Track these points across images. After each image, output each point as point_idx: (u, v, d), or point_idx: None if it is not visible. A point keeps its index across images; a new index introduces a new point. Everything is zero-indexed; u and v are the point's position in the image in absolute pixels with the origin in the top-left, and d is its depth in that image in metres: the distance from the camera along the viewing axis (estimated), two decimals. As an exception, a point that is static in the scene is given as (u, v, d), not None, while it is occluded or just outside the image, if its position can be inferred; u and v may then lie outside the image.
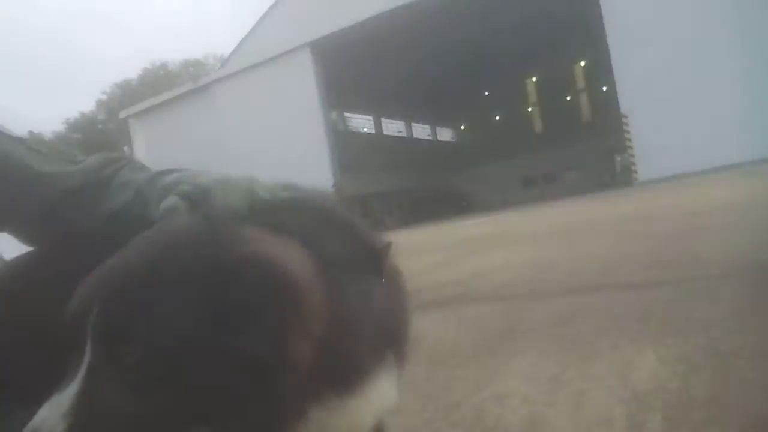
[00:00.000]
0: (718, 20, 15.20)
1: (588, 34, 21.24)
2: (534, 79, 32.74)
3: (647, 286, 2.84)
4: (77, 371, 0.58)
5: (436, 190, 33.72)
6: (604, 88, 27.02)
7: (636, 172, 17.25)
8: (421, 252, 7.25)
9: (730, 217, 4.95)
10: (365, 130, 34.54)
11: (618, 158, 30.23)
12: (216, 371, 0.57)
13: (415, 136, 37.42)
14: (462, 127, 39.78)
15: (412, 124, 37.35)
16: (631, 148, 17.44)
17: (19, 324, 0.82)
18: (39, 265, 0.90)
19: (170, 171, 0.86)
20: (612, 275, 3.29)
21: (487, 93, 35.12)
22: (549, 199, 23.34)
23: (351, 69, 26.24)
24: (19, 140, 0.87)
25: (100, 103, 46.20)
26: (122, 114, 29.34)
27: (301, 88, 23.09)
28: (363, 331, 0.71)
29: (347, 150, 25.84)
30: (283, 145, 22.44)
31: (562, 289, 3.18)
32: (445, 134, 40.72)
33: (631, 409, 1.46)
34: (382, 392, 0.76)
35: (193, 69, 47.93)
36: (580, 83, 31.53)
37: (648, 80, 16.18)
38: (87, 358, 0.57)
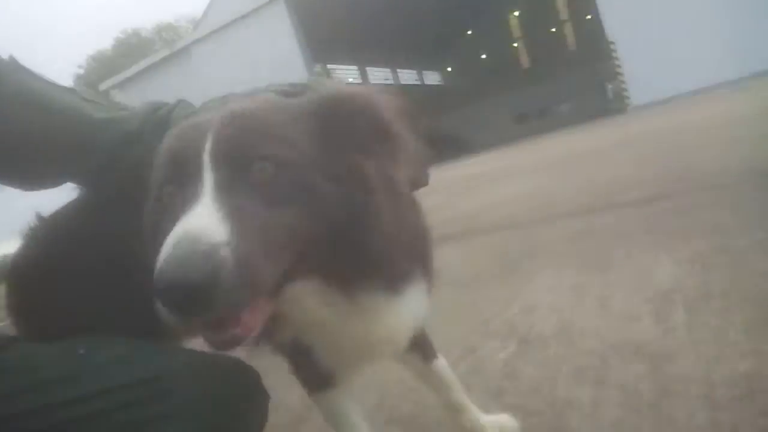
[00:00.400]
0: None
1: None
2: (516, 13, 31.99)
3: (650, 201, 2.93)
4: (196, 197, 0.59)
5: (428, 134, 33.41)
6: (588, 17, 26.54)
7: (628, 97, 17.14)
8: (422, 193, 7.29)
9: (724, 131, 5.02)
10: (351, 80, 34.02)
11: (609, 86, 29.97)
12: (334, 185, 0.65)
13: (402, 82, 36.88)
14: (449, 69, 39.12)
15: (398, 70, 36.72)
16: (621, 74, 17.25)
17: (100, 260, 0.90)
18: (108, 208, 0.96)
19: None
20: (615, 195, 3.38)
21: (470, 32, 34.40)
22: (543, 132, 23.28)
23: (330, 19, 25.60)
24: (73, 91, 0.91)
25: (78, 78, 45.18)
26: (102, 86, 28.78)
27: (280, 43, 22.55)
28: (406, 240, 0.76)
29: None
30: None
31: (570, 211, 3.27)
32: (433, 78, 40.10)
33: (655, 305, 1.57)
34: (419, 299, 0.83)
35: (165, 34, 46.56)
36: (564, 13, 30.83)
37: (632, 4, 15.86)
38: (208, 181, 0.60)
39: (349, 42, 30.08)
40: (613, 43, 16.88)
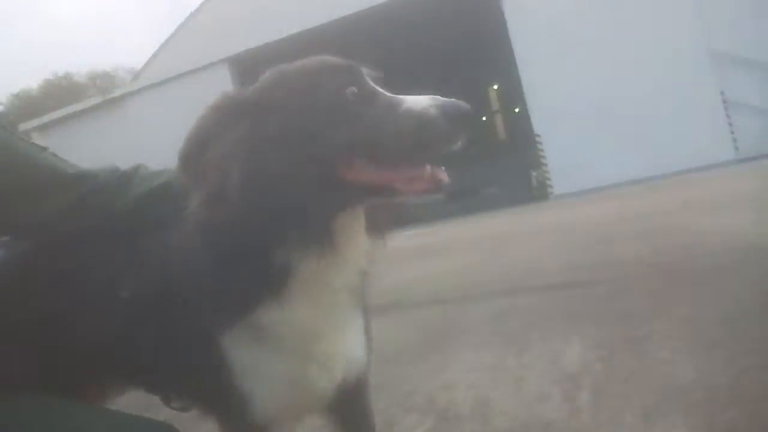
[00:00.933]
0: (623, 42, 16.55)
1: (499, 61, 22.41)
2: (451, 100, 33.96)
3: (569, 286, 3.11)
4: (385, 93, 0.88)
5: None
6: (516, 110, 28.51)
7: (551, 186, 18.25)
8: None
9: (637, 225, 5.44)
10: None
11: (533, 173, 31.86)
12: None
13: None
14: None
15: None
16: (545, 164, 18.45)
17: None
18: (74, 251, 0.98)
19: None
20: (537, 278, 3.56)
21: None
22: (472, 212, 24.19)
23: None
24: (41, 147, 0.97)
25: (-3, 114, 43.03)
26: (23, 126, 27.51)
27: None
28: None
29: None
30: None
31: (493, 291, 3.40)
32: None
33: (565, 386, 1.66)
34: (358, 332, 1.01)
35: (101, 81, 45.59)
36: (495, 105, 33.05)
37: (557, 102, 17.29)
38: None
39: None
40: (538, 135, 18.14)
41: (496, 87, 32.70)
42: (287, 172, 0.75)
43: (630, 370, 1.70)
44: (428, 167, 0.81)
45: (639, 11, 16.49)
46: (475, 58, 25.28)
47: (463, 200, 31.02)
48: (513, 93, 25.98)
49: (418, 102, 0.80)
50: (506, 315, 2.75)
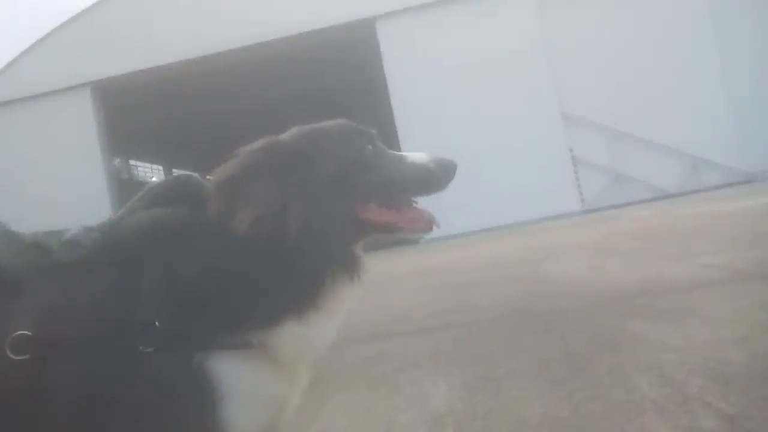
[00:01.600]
0: (489, 101, 18.06)
1: (377, 107, 23.33)
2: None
3: (435, 329, 3.29)
4: (392, 152, 1.17)
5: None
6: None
7: (420, 232, 19.04)
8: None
9: (498, 271, 5.88)
10: (154, 179, 32.58)
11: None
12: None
13: (209, 188, 36.25)
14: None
15: (208, 177, 36.14)
16: (414, 209, 19.27)
17: None
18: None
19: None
20: (406, 322, 3.72)
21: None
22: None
23: (140, 115, 24.75)
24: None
25: None
26: None
27: (80, 129, 21.03)
28: None
29: (130, 199, 23.93)
30: (58, 190, 20.04)
31: (363, 336, 3.49)
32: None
33: (431, 427, 1.76)
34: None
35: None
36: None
37: (427, 151, 18.29)
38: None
39: (158, 141, 29.24)
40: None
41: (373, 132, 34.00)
42: (328, 208, 0.91)
43: (488, 408, 1.85)
44: (427, 211, 1.07)
45: (504, 73, 18.22)
46: (354, 100, 26.13)
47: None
48: (387, 142, 27.08)
49: (419, 157, 1.07)
50: (377, 359, 2.85)
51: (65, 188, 20.09)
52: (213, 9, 19.81)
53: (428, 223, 1.09)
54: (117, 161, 27.32)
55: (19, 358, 0.77)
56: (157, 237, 0.90)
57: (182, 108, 24.89)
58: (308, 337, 0.90)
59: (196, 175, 1.04)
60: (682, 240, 5.59)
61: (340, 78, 23.88)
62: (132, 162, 31.74)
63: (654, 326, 2.49)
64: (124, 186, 25.43)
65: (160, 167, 33.32)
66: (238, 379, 0.83)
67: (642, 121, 18.26)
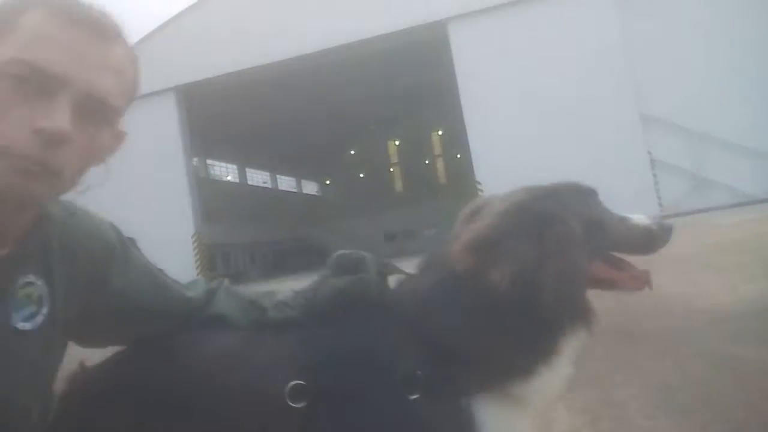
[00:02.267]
0: (565, 101, 17.68)
1: (445, 107, 23.26)
2: (396, 142, 34.74)
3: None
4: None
5: (300, 242, 33.74)
6: (458, 156, 29.54)
7: (489, 234, 18.91)
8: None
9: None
10: (229, 178, 33.87)
11: (470, 219, 32.81)
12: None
13: (279, 187, 37.34)
14: (327, 182, 40.51)
15: (278, 175, 37.28)
16: (485, 213, 19.13)
17: None
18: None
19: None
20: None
21: (352, 151, 36.47)
22: (409, 254, 24.56)
23: (218, 116, 25.80)
24: (162, 271, 1.06)
25: None
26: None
27: (163, 131, 22.19)
28: None
29: (209, 198, 25.10)
30: (142, 190, 21.24)
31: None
32: (310, 188, 41.11)
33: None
34: None
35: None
36: (437, 149, 34.14)
37: (498, 153, 18.15)
38: None
39: (233, 141, 30.40)
40: (480, 183, 18.86)
41: (440, 132, 33.90)
42: (577, 264, 0.99)
43: (616, 435, 1.91)
44: (645, 271, 1.10)
45: (582, 74, 17.77)
46: (423, 102, 26.22)
47: (402, 242, 31.45)
48: (456, 139, 27.03)
49: (642, 219, 1.12)
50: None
51: (149, 186, 21.28)
52: (291, 14, 20.38)
53: (645, 283, 1.10)
54: (195, 161, 28.62)
55: (297, 405, 0.86)
56: (357, 299, 0.99)
57: (259, 110, 25.83)
58: (554, 382, 0.97)
59: (366, 254, 1.09)
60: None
61: (412, 80, 24.01)
62: (209, 161, 33.18)
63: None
64: (202, 184, 26.66)
65: (235, 166, 34.65)
66: (498, 424, 0.90)
67: (727, 122, 17.35)
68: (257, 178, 35.47)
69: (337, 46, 20.03)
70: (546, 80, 17.91)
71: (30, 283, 0.78)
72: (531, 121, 18.02)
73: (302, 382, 0.88)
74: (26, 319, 0.77)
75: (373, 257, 1.06)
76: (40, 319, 0.78)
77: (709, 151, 17.39)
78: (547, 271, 0.94)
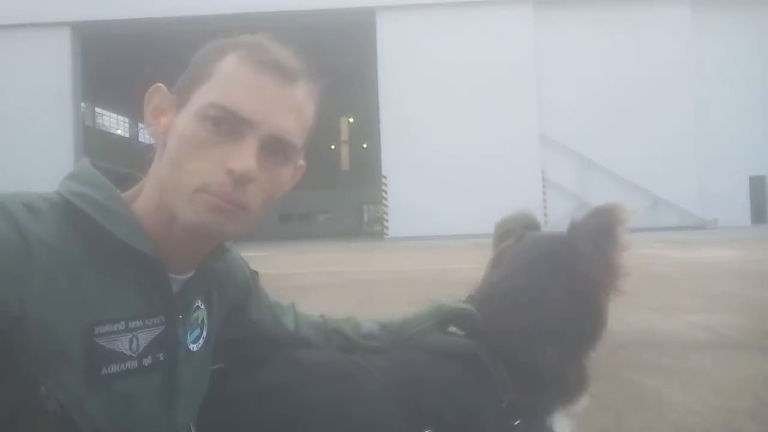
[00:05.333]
0: (474, 114, 18.41)
1: (360, 95, 23.32)
2: (302, 121, 34.34)
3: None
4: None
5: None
6: (365, 145, 29.81)
7: (387, 228, 19.35)
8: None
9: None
10: (119, 132, 31.61)
11: (366, 209, 33.29)
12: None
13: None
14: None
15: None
16: (386, 206, 19.55)
17: None
18: None
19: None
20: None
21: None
22: (303, 237, 24.44)
23: (115, 63, 23.99)
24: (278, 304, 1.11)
25: None
26: None
27: (52, 68, 20.23)
28: None
29: (94, 150, 23.32)
30: (19, 129, 19.25)
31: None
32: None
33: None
34: None
35: None
36: (345, 135, 34.18)
37: (409, 151, 18.58)
38: None
39: (126, 91, 28.44)
40: (385, 177, 19.19)
41: (351, 120, 33.92)
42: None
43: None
44: None
45: (494, 83, 18.60)
46: (337, 86, 26.06)
47: (295, 224, 31.18)
48: (366, 129, 27.23)
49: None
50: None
51: (30, 126, 19.33)
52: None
53: None
54: (83, 106, 26.40)
55: None
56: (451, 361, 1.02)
57: (162, 65, 24.28)
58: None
59: (472, 309, 1.10)
60: (656, 289, 6.01)
61: (331, 62, 23.79)
62: (98, 109, 30.69)
63: (669, 386, 2.80)
64: (88, 132, 24.66)
65: (127, 120, 32.37)
66: (560, 430, 1.05)
67: (612, 153, 19.07)
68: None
69: (259, 12, 19.39)
70: (461, 83, 18.60)
71: (198, 307, 0.86)
72: (442, 123, 18.65)
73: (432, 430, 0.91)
74: (194, 341, 0.84)
75: (477, 314, 1.08)
76: (201, 342, 0.86)
77: (595, 178, 19.06)
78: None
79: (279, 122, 0.74)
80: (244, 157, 0.71)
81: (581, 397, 1.06)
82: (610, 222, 1.08)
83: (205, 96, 0.73)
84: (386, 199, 19.39)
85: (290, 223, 31.22)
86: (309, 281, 7.59)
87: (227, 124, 0.72)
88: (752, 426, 2.29)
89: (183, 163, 0.71)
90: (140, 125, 32.48)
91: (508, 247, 1.21)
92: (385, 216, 19.71)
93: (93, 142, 24.09)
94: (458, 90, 18.71)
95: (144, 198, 0.77)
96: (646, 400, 2.59)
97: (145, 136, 32.96)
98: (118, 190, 0.77)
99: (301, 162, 0.86)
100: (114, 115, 31.65)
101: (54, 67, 20.09)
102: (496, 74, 18.70)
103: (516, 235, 1.21)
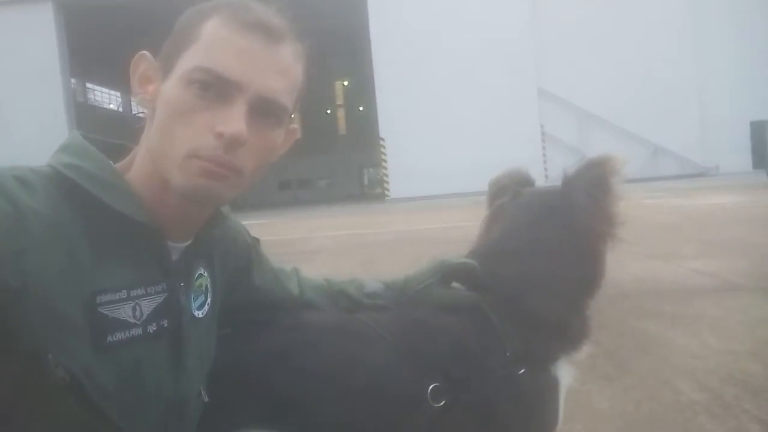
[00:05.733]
0: (469, 71, 18.15)
1: (354, 59, 22.97)
2: (298, 87, 33.93)
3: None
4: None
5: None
6: (361, 108, 29.51)
7: (388, 190, 19.35)
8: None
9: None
10: (111, 106, 31.28)
11: (366, 172, 33.19)
12: None
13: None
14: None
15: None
16: (385, 168, 19.50)
17: None
18: None
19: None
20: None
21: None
22: (303, 203, 24.49)
23: (104, 37, 23.54)
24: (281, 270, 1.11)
25: None
26: None
27: (38, 45, 19.87)
28: None
29: (87, 125, 23.11)
30: (10, 109, 19.06)
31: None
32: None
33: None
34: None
35: None
36: (340, 99, 33.78)
37: (404, 111, 18.40)
38: None
39: (117, 64, 28.01)
40: (383, 139, 19.08)
41: (346, 83, 33.45)
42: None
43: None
44: None
45: (488, 47, 18.30)
46: (330, 49, 25.64)
47: (295, 190, 31.12)
48: (361, 92, 26.90)
49: None
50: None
51: (22, 104, 19.14)
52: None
53: None
54: (74, 82, 26.08)
55: (437, 405, 0.92)
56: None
57: (151, 37, 23.84)
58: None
59: (474, 263, 1.10)
60: (658, 238, 6.05)
61: (322, 25, 23.36)
62: (89, 85, 30.30)
63: (671, 331, 2.85)
64: (80, 108, 24.42)
65: (119, 94, 31.98)
66: (564, 383, 1.05)
67: (611, 105, 18.89)
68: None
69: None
70: (456, 41, 18.30)
71: (201, 274, 0.85)
72: (438, 82, 18.42)
73: (437, 384, 0.93)
74: (199, 308, 0.84)
75: (479, 268, 1.09)
76: (206, 308, 0.86)
77: (594, 130, 18.94)
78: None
79: (267, 83, 0.72)
80: (233, 121, 0.69)
81: (584, 344, 1.08)
82: (603, 173, 1.10)
83: (190, 60, 0.71)
84: (385, 161, 19.33)
85: (290, 189, 31.23)
86: (312, 246, 7.63)
87: (214, 88, 0.70)
88: (754, 366, 2.34)
89: (172, 129, 0.71)
90: (133, 98, 32.17)
91: (504, 204, 1.21)
92: (385, 178, 19.69)
93: (86, 118, 23.89)
94: (453, 48, 18.41)
95: (137, 167, 0.77)
96: (649, 346, 2.64)
97: (139, 109, 32.66)
98: (110, 161, 0.76)
99: (294, 126, 0.84)
100: (106, 90, 31.27)
101: (39, 45, 19.74)
102: (492, 30, 18.37)
103: (511, 192, 1.21)
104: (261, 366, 0.92)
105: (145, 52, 0.79)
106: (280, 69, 0.75)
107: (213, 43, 0.72)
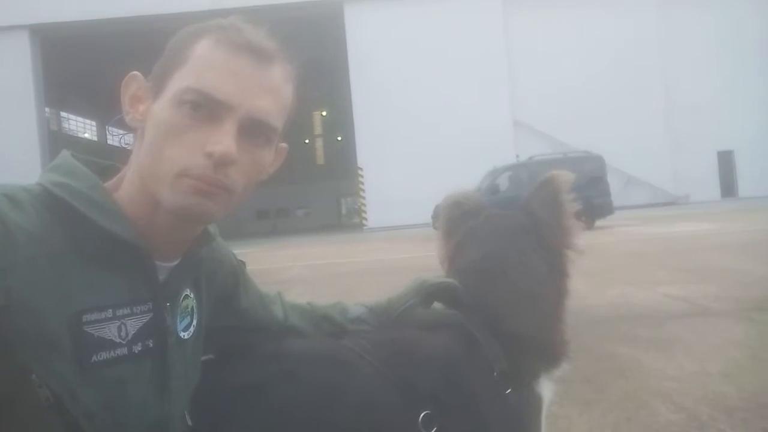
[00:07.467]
0: (449, 105, 18.44)
1: (332, 88, 23.19)
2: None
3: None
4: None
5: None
6: (339, 138, 29.70)
7: (366, 219, 19.36)
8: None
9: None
10: (86, 135, 30.93)
11: (344, 202, 33.25)
12: None
13: (145, 151, 34.91)
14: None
15: (144, 138, 34.82)
16: (363, 198, 19.55)
17: None
18: None
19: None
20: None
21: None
22: (281, 233, 24.32)
23: (78, 66, 23.42)
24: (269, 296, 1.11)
25: None
26: None
27: (12, 73, 19.69)
28: None
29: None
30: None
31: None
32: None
33: None
34: None
35: None
36: (318, 129, 33.98)
37: (383, 142, 18.57)
38: None
39: (91, 94, 27.85)
40: (361, 169, 19.18)
41: (324, 113, 33.71)
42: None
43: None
44: None
45: (464, 74, 18.65)
46: (308, 80, 25.81)
47: (275, 220, 30.96)
48: (339, 122, 27.14)
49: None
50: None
51: (-5, 134, 18.84)
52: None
53: None
54: (48, 111, 25.82)
55: None
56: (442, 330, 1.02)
57: (125, 65, 23.80)
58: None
59: (455, 282, 1.11)
60: (633, 264, 6.17)
61: (301, 56, 23.63)
62: (63, 113, 29.99)
63: (647, 355, 2.89)
64: (54, 137, 24.11)
65: (94, 123, 31.69)
66: (546, 394, 1.07)
67: (584, 136, 19.32)
68: (118, 138, 32.78)
69: (225, 8, 19.04)
70: (432, 72, 18.64)
71: (187, 296, 0.85)
72: (415, 112, 18.68)
73: (429, 412, 0.90)
74: (185, 329, 0.83)
75: (461, 287, 1.09)
76: (191, 330, 0.85)
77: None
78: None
79: (256, 103, 0.73)
80: (223, 140, 0.70)
81: (563, 361, 1.10)
82: (555, 190, 1.17)
83: (181, 81, 0.72)
84: (363, 191, 19.39)
85: (268, 219, 31.07)
86: (292, 275, 7.58)
87: (205, 109, 0.71)
88: (727, 387, 2.38)
89: (162, 149, 0.71)
90: (108, 128, 31.85)
91: (475, 225, 1.24)
92: (363, 207, 19.72)
93: (60, 147, 23.33)
94: (430, 79, 18.75)
95: (126, 187, 0.77)
96: (626, 370, 2.66)
97: (113, 139, 32.35)
98: (100, 181, 0.76)
99: (283, 144, 0.85)
100: (81, 119, 30.96)
101: (14, 72, 19.57)
102: (467, 62, 18.78)
103: (480, 215, 1.25)
104: (247, 395, 0.88)
105: (136, 72, 0.79)
106: (269, 89, 0.76)
107: (204, 64, 0.72)
